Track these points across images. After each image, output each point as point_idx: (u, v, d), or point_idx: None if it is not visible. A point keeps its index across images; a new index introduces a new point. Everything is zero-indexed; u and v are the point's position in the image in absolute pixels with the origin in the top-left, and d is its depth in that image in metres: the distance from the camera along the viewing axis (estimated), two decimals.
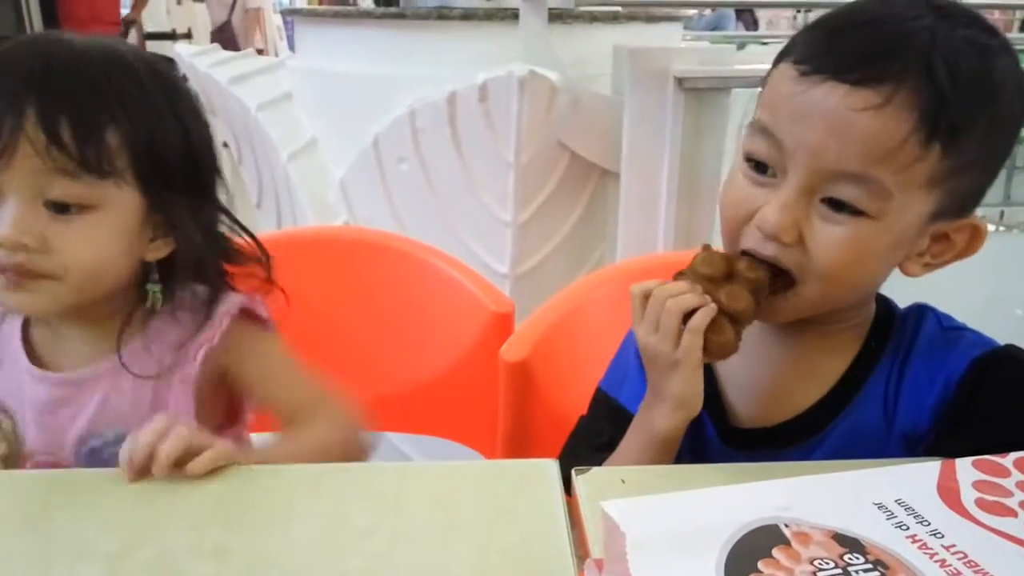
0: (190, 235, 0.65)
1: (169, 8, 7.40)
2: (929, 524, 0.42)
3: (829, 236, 0.52)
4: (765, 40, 3.60)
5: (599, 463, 0.60)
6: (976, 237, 0.55)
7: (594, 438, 0.68)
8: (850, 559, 0.39)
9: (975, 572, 0.39)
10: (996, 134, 0.52)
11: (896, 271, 0.59)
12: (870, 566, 0.39)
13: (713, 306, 0.54)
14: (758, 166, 0.55)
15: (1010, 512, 0.42)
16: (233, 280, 0.71)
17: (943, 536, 0.41)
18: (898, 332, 0.61)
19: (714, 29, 5.76)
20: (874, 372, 0.60)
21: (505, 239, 1.52)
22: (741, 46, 2.24)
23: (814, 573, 0.39)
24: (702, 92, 1.41)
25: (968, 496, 0.44)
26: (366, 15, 1.59)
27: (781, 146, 0.53)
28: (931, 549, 0.40)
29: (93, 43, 0.61)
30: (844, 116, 0.49)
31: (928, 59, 0.49)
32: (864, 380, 0.60)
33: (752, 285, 0.55)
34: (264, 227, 1.97)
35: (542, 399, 0.87)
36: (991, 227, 3.53)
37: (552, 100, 1.39)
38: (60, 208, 0.59)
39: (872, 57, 0.49)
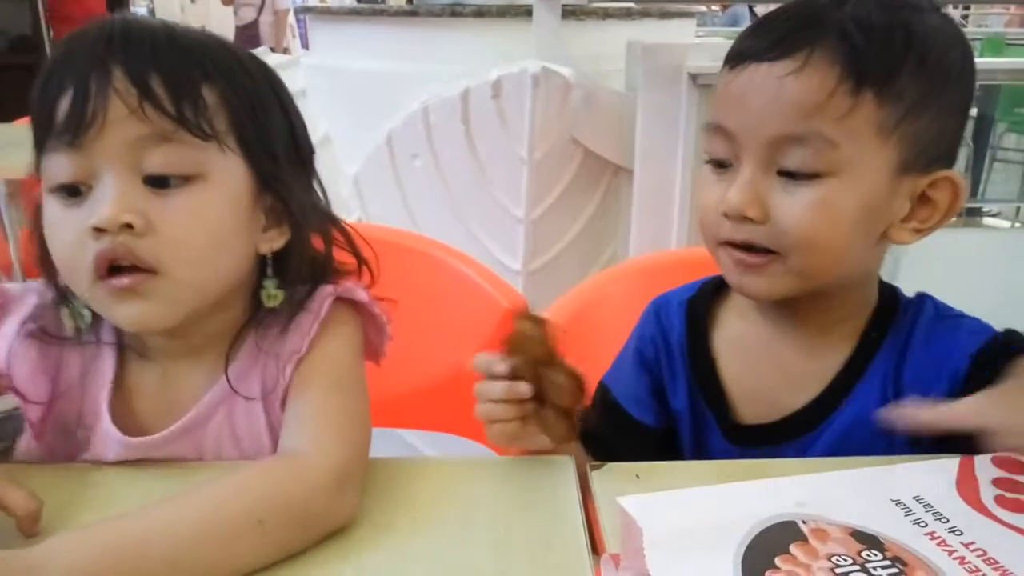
0: (308, 219, 0.58)
1: (183, 6, 7.45)
2: (948, 521, 0.42)
3: (794, 204, 0.54)
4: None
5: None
6: (956, 192, 0.56)
7: (586, 424, 0.69)
8: (868, 556, 0.39)
9: (995, 569, 0.38)
10: (934, 79, 0.54)
11: (900, 259, 0.58)
12: (888, 563, 0.39)
13: (511, 407, 0.53)
14: (718, 164, 0.58)
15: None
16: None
17: (962, 533, 0.41)
18: (898, 322, 0.61)
19: (733, 25, 5.74)
20: (873, 362, 0.60)
21: (518, 235, 1.52)
22: None
23: (832, 569, 0.38)
24: (716, 88, 1.40)
25: (987, 493, 0.44)
26: (379, 12, 1.59)
27: (728, 133, 0.56)
28: (950, 546, 0.40)
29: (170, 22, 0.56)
30: (771, 86, 0.54)
31: (839, 22, 0.53)
32: (863, 371, 0.60)
33: (571, 374, 0.54)
34: None
35: None
36: (1005, 223, 3.51)
37: (565, 96, 1.39)
38: (160, 183, 0.51)
39: (786, 34, 0.54)
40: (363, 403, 0.58)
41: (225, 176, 0.54)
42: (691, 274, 0.76)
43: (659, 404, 0.67)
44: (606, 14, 1.61)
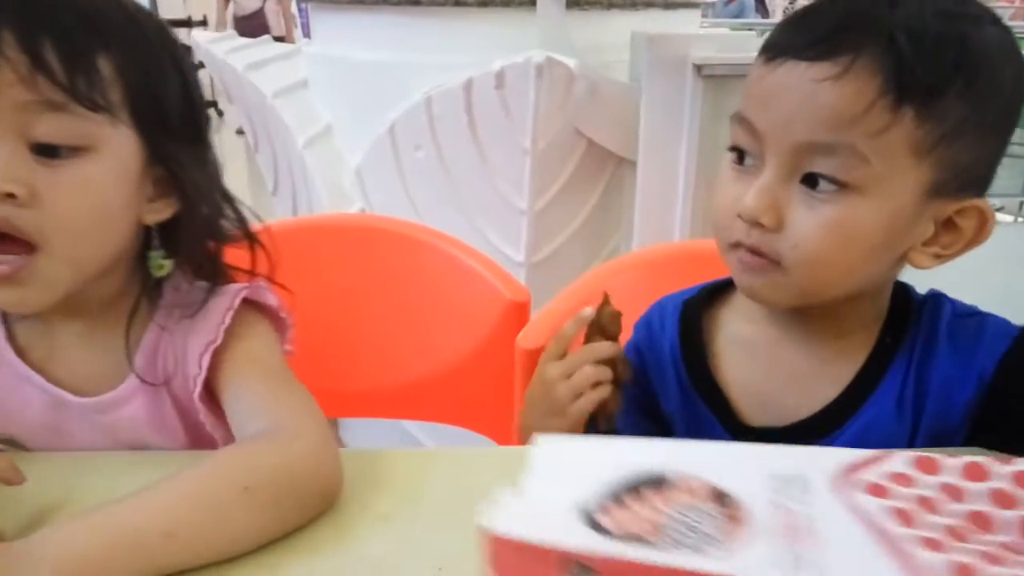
0: (198, 190, 0.57)
1: None
2: (809, 504, 0.38)
3: (811, 219, 0.52)
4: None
5: None
6: (983, 222, 0.53)
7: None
8: (708, 510, 0.37)
9: (811, 544, 0.35)
10: (981, 100, 0.50)
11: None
12: (722, 519, 0.37)
13: (609, 388, 0.61)
14: (740, 157, 0.56)
15: (907, 517, 0.37)
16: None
17: (810, 510, 0.37)
18: (914, 325, 0.59)
19: (737, 16, 5.72)
20: (889, 371, 0.58)
21: (521, 227, 1.52)
22: (761, 33, 2.22)
23: (661, 513, 0.37)
24: (720, 79, 1.39)
25: (862, 483, 0.39)
26: (382, 1, 1.58)
27: (755, 131, 0.54)
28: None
29: None
30: (806, 89, 0.50)
31: (889, 28, 0.49)
32: (879, 379, 0.58)
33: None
34: (280, 214, 1.98)
35: None
36: (1008, 218, 3.49)
37: (569, 87, 1.38)
38: (48, 152, 0.50)
39: (829, 33, 0.51)
40: (309, 394, 0.58)
41: (116, 149, 0.53)
42: (694, 266, 0.75)
43: (647, 419, 0.67)
44: (610, 4, 1.60)
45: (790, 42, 0.52)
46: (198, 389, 0.57)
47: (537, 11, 1.46)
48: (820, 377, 0.60)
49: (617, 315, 0.62)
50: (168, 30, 0.58)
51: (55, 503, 0.50)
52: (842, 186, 0.51)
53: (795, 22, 0.54)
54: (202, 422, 0.58)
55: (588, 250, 1.60)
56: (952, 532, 0.35)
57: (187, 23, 6.65)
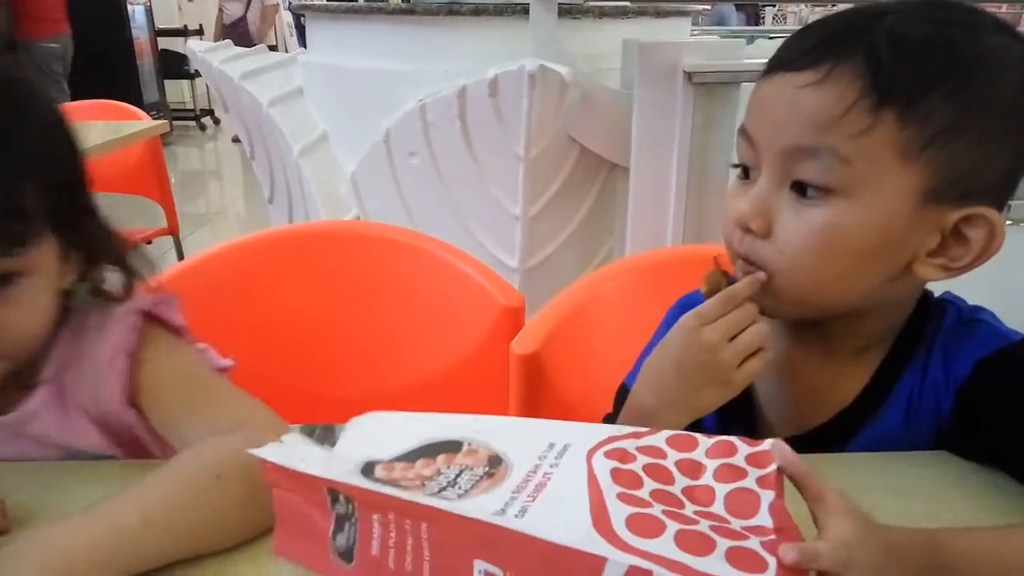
0: (105, 255, 0.59)
1: (180, 5, 7.44)
2: (559, 466, 0.41)
3: (798, 223, 0.52)
4: (773, 35, 3.58)
5: None
6: (992, 234, 0.51)
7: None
8: (477, 470, 0.41)
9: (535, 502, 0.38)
10: (974, 104, 0.49)
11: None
12: (478, 476, 0.41)
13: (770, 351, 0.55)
14: (744, 171, 0.56)
15: (625, 477, 0.40)
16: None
17: (557, 471, 0.41)
18: (926, 332, 0.58)
19: (718, 24, 5.74)
20: (901, 379, 0.58)
21: (515, 233, 1.53)
22: (750, 40, 2.23)
23: (437, 473, 0.41)
24: (712, 86, 1.40)
25: (612, 450, 0.42)
26: (377, 10, 1.60)
27: (751, 141, 0.54)
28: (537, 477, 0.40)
29: None
30: (790, 96, 0.52)
31: (872, 36, 0.50)
32: (891, 388, 0.58)
33: None
34: (276, 222, 1.99)
35: (553, 392, 0.87)
36: (1007, 221, 3.50)
37: (562, 94, 1.39)
38: None
39: (816, 44, 0.52)
40: (244, 392, 0.59)
41: (46, 258, 0.54)
42: (687, 272, 0.76)
43: None
44: (602, 13, 1.61)
45: (782, 56, 0.54)
46: (120, 395, 0.57)
47: (530, 20, 1.47)
48: (834, 388, 0.59)
49: (722, 282, 0.57)
50: (62, 113, 0.57)
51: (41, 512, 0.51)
52: (827, 191, 0.50)
53: (790, 39, 0.55)
54: (129, 425, 0.58)
55: (581, 255, 1.61)
56: (660, 496, 0.38)
57: (183, 32, 6.66)
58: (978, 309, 0.60)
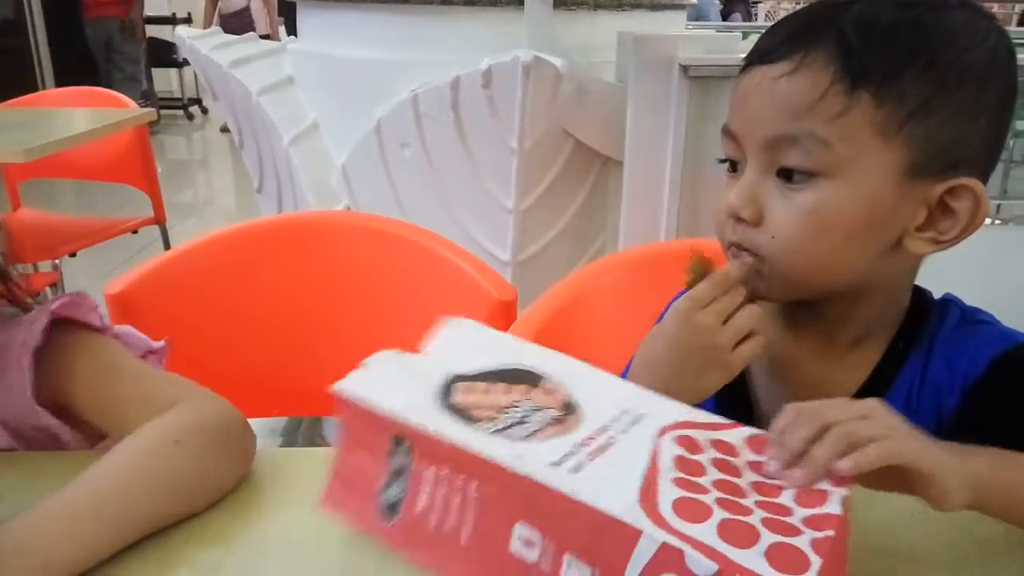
0: None
1: None
2: (627, 433, 0.42)
3: (786, 208, 0.53)
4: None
5: None
6: (977, 202, 0.53)
7: None
8: (548, 412, 0.43)
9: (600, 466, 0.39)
10: (947, 79, 0.51)
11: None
12: (551, 418, 0.42)
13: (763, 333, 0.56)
14: (732, 165, 0.58)
15: (686, 465, 0.40)
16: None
17: (623, 438, 0.41)
18: (925, 330, 0.59)
19: (696, 19, 5.73)
20: (899, 375, 0.58)
21: (507, 226, 1.52)
22: (746, 35, 2.23)
23: (514, 404, 0.43)
24: (707, 80, 1.40)
25: (683, 436, 0.42)
26: None
27: (735, 136, 0.56)
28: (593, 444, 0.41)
29: None
30: (767, 88, 0.54)
31: (840, 23, 0.52)
32: (890, 383, 0.58)
33: None
34: (265, 212, 1.97)
35: None
36: (986, 220, 3.53)
37: (556, 87, 1.38)
38: None
39: (788, 36, 0.54)
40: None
41: None
42: (681, 267, 0.76)
43: None
44: (597, 4, 1.60)
45: (757, 50, 0.56)
46: (30, 395, 0.56)
47: (525, 10, 1.46)
48: (831, 383, 0.60)
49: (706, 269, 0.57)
50: None
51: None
52: (812, 174, 0.52)
53: (764, 34, 0.58)
54: (45, 426, 0.58)
55: (574, 249, 1.60)
56: (721, 485, 0.39)
57: (171, 20, 6.60)
58: (978, 310, 0.60)
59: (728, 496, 0.38)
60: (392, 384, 0.45)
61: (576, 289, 0.94)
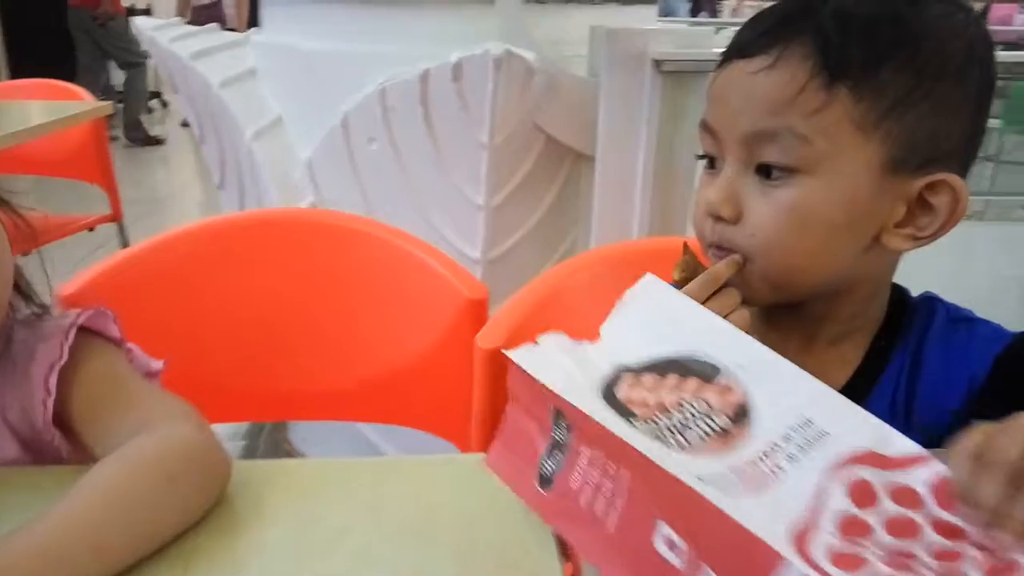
0: None
1: None
2: (796, 462, 0.38)
3: (766, 205, 0.53)
4: (740, 26, 3.61)
5: None
6: (957, 199, 0.52)
7: None
8: (718, 420, 0.40)
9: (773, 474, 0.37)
10: (926, 73, 0.51)
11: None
12: (720, 427, 0.40)
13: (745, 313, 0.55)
14: (710, 161, 0.58)
15: (851, 525, 0.36)
16: None
17: (790, 466, 0.38)
18: (908, 328, 0.59)
19: (666, 15, 5.76)
20: (882, 375, 0.58)
21: (477, 223, 1.50)
22: (718, 30, 2.24)
23: (679, 405, 0.41)
24: (679, 75, 1.39)
25: (856, 478, 0.38)
26: None
27: (713, 132, 0.56)
28: (771, 462, 0.38)
29: None
30: (745, 83, 0.53)
31: (818, 17, 0.52)
32: (873, 383, 0.58)
33: None
34: (227, 208, 1.92)
35: None
36: (975, 218, 3.58)
37: (528, 81, 1.36)
38: None
39: (765, 31, 0.54)
40: (167, 392, 0.59)
41: None
42: (653, 265, 0.74)
43: None
44: None
45: (734, 45, 0.56)
46: (48, 412, 0.56)
47: (495, 3, 1.44)
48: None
49: (693, 265, 0.57)
50: None
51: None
52: (791, 171, 0.52)
53: (742, 28, 0.57)
54: (56, 447, 0.57)
55: (545, 246, 1.59)
56: (888, 554, 0.34)
57: (131, 11, 6.46)
58: (960, 308, 0.60)
59: (898, 555, 0.34)
60: (560, 366, 0.44)
61: (550, 287, 0.92)
